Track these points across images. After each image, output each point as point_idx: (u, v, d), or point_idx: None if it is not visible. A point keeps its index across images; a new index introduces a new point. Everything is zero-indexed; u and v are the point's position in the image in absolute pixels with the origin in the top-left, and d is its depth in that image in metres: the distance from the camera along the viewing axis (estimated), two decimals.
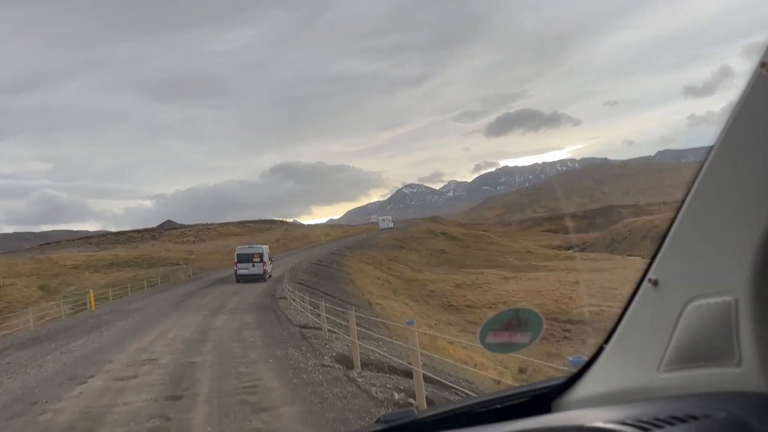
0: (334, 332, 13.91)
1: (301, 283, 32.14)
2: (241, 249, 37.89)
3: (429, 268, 72.49)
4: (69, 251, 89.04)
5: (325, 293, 30.65)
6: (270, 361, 10.71)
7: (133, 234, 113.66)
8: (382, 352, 11.63)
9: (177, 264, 67.74)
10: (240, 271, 36.11)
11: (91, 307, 25.85)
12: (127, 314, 22.21)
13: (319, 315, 16.88)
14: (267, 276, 37.03)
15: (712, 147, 1.25)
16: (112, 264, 73.02)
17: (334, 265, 53.90)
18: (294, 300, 21.23)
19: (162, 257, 76.72)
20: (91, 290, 27.38)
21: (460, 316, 47.40)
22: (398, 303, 46.09)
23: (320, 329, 14.60)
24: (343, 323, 16.58)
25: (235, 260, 36.72)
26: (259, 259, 36.33)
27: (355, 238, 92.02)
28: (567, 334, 40.72)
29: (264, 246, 39.04)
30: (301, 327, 15.60)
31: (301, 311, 18.89)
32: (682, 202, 1.36)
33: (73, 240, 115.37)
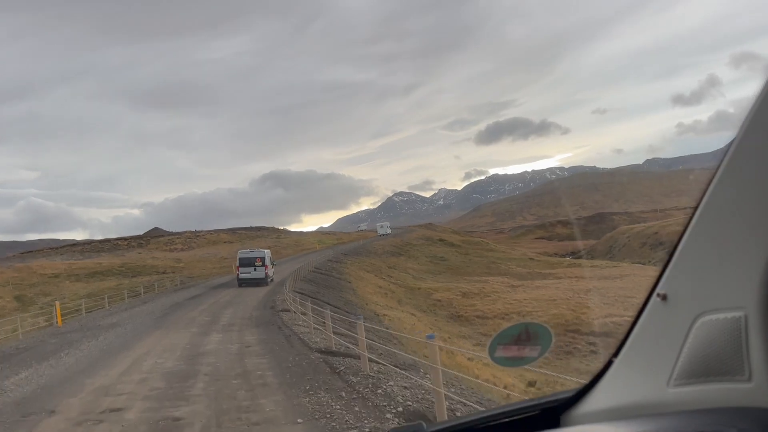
0: (375, 361, 10.01)
1: (302, 293, 28.48)
2: (243, 253, 37.51)
3: (431, 276, 69.20)
4: (52, 260, 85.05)
5: (328, 303, 27.10)
6: (299, 421, 6.84)
7: (119, 241, 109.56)
8: (455, 397, 7.80)
9: (164, 272, 64.43)
10: (242, 275, 35.86)
11: (57, 323, 21.82)
12: (98, 332, 18.22)
13: (342, 334, 13.05)
14: (269, 280, 36.84)
15: (721, 162, 1.24)
16: (95, 273, 69.06)
17: (332, 272, 50.57)
18: (304, 314, 17.38)
19: (148, 265, 73.13)
20: (57, 302, 23.33)
21: (472, 328, 43.85)
22: (405, 314, 42.60)
23: (351, 357, 10.79)
24: (360, 339, 12.75)
25: (237, 264, 36.51)
26: (261, 263, 35.99)
27: (350, 245, 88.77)
28: (593, 347, 37.23)
29: (266, 250, 38.70)
30: (323, 353, 11.73)
31: (316, 329, 15.06)
32: (691, 216, 1.35)
33: (57, 248, 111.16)
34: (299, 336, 14.46)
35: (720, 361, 1.24)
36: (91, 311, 27.77)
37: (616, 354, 1.63)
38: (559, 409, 1.74)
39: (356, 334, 15.20)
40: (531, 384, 25.23)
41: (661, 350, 1.43)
